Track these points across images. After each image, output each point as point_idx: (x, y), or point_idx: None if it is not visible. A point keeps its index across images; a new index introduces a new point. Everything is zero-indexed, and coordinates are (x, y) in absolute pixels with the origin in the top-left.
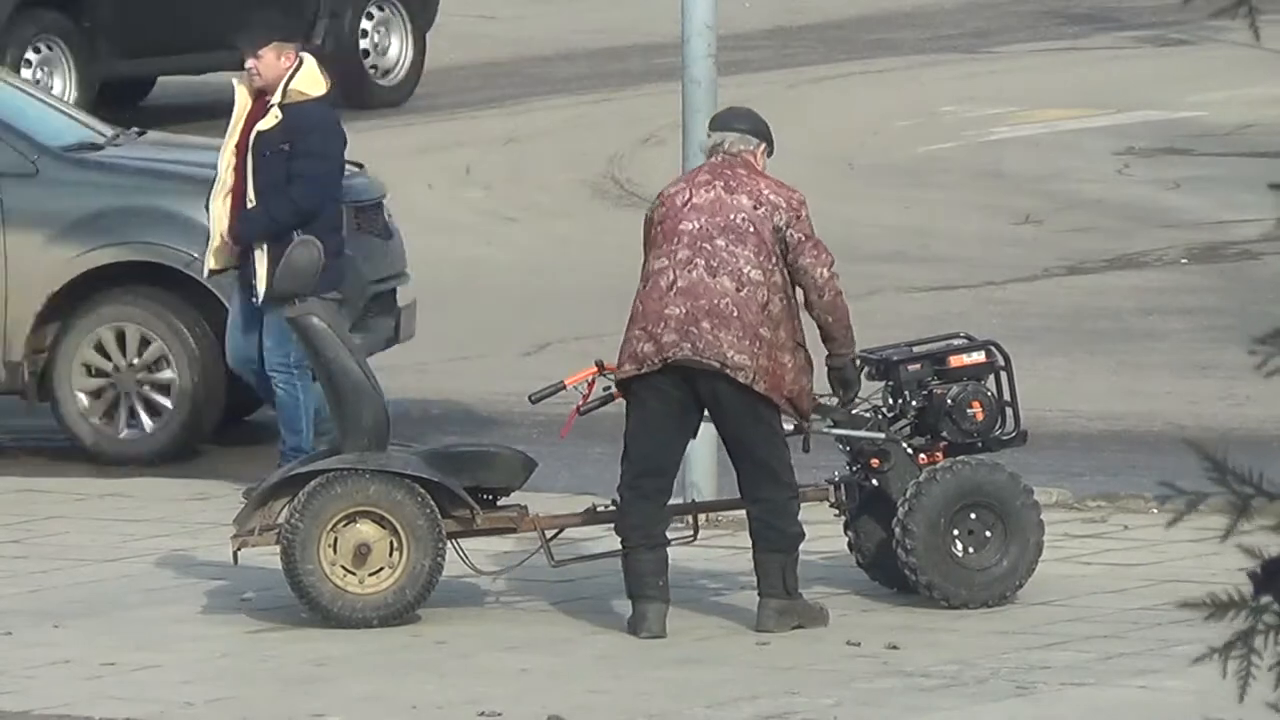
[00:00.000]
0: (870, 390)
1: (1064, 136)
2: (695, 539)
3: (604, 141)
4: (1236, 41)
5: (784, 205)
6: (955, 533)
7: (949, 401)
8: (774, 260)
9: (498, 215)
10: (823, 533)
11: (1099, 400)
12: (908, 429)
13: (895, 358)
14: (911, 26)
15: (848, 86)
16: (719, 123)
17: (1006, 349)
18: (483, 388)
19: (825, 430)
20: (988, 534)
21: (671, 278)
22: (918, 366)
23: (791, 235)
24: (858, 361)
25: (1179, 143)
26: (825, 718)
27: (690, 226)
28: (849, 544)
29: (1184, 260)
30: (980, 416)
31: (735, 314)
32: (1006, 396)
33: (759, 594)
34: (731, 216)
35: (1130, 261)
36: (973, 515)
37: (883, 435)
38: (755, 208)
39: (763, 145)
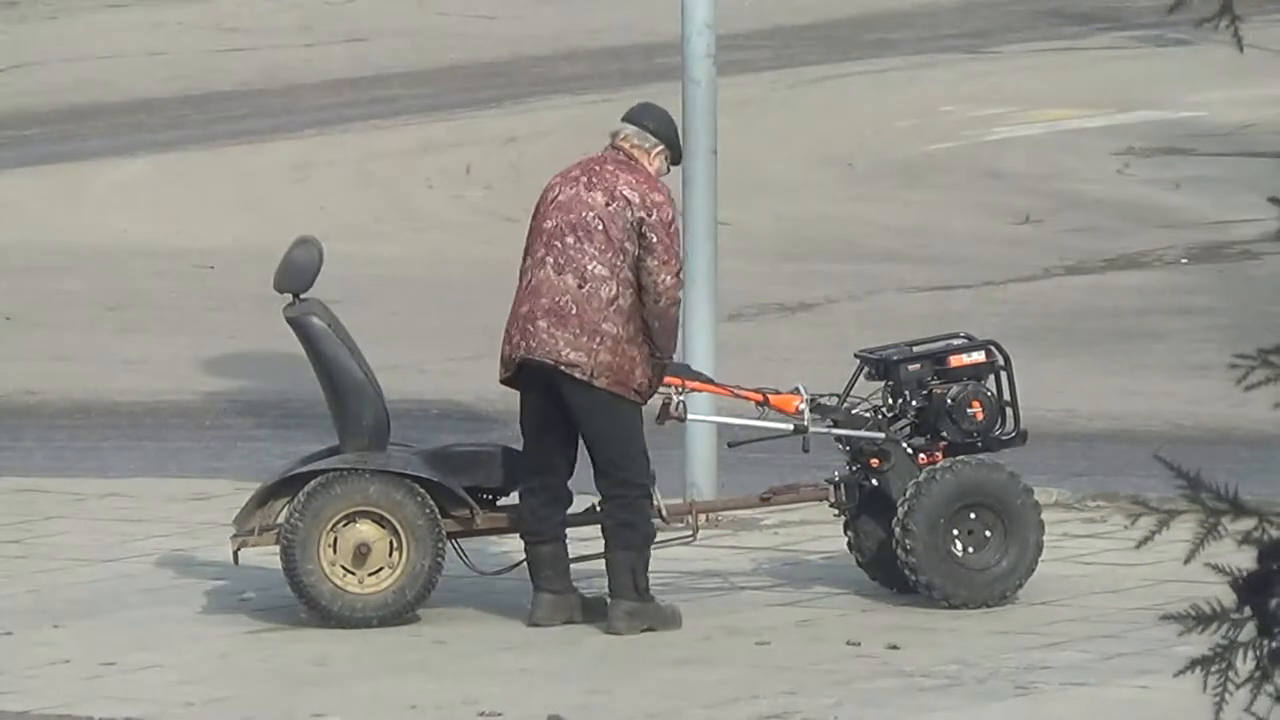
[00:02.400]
0: (870, 390)
1: (1064, 136)
2: (695, 539)
3: (604, 141)
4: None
5: (638, 202)
6: (955, 532)
7: (949, 401)
8: (623, 256)
9: (498, 215)
10: (823, 533)
11: (1099, 400)
12: (908, 429)
13: (895, 357)
14: (911, 26)
15: (848, 86)
16: (628, 114)
17: (1006, 349)
18: (483, 388)
19: (825, 430)
20: (987, 534)
21: (529, 278)
22: (917, 366)
23: (646, 233)
24: (667, 367)
25: (1179, 143)
26: (825, 718)
27: (549, 225)
28: (849, 544)
29: (1184, 260)
30: (980, 416)
31: (574, 311)
32: (1006, 396)
33: (609, 594)
34: (583, 213)
35: (1130, 261)
36: (972, 515)
37: (882, 435)
38: (608, 204)
39: (660, 146)
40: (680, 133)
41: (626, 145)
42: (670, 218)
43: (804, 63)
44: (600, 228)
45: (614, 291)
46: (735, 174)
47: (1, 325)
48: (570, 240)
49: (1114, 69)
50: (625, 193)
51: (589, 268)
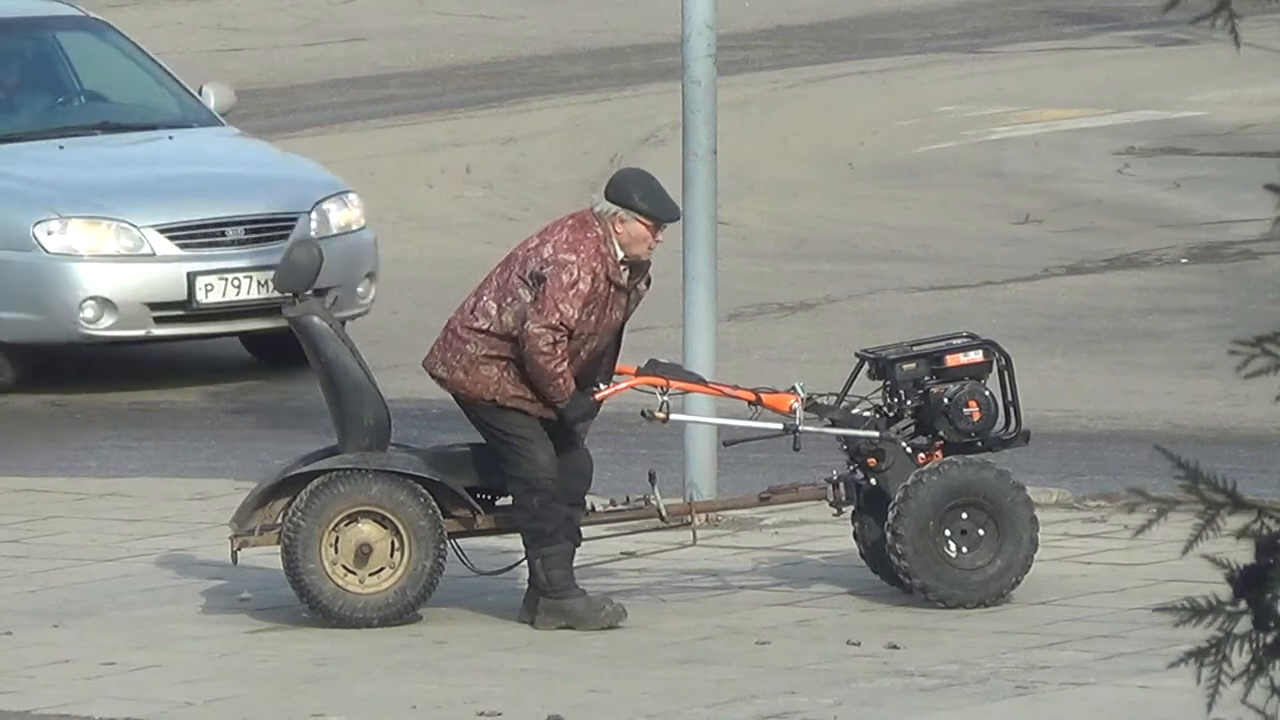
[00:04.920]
0: (872, 389)
1: (1064, 136)
2: (695, 539)
3: (604, 141)
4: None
5: (546, 256)
6: (947, 533)
7: (945, 401)
8: (510, 298)
9: (498, 215)
10: (823, 533)
11: (1099, 400)
12: (910, 428)
13: (892, 356)
14: (911, 26)
15: (848, 86)
16: (608, 188)
17: (1006, 349)
18: None
19: (818, 429)
20: (980, 533)
21: None
22: (913, 365)
23: (538, 284)
24: (587, 404)
25: (1179, 143)
26: (825, 718)
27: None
28: (854, 533)
29: (1184, 260)
30: (977, 416)
31: (455, 329)
32: (1007, 396)
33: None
34: (517, 251)
35: (1130, 261)
36: (964, 515)
37: (877, 434)
38: (527, 251)
39: (615, 210)
40: (681, 132)
41: (595, 210)
42: (571, 279)
43: (804, 63)
44: (514, 268)
45: (487, 324)
46: (735, 174)
47: None
48: (496, 270)
49: (1114, 69)
50: (544, 248)
51: (484, 297)
